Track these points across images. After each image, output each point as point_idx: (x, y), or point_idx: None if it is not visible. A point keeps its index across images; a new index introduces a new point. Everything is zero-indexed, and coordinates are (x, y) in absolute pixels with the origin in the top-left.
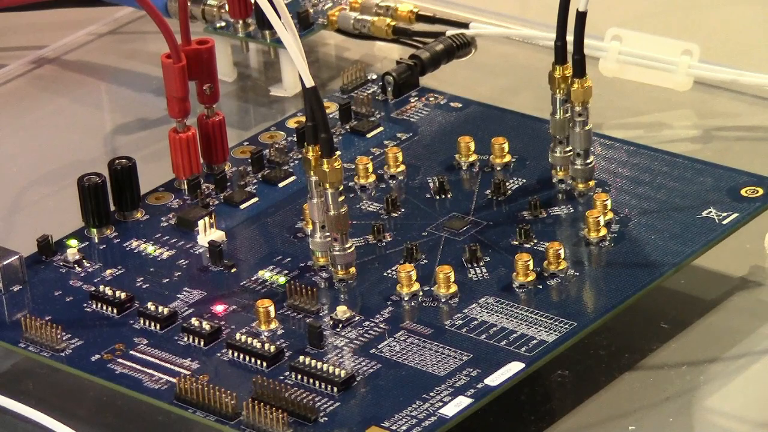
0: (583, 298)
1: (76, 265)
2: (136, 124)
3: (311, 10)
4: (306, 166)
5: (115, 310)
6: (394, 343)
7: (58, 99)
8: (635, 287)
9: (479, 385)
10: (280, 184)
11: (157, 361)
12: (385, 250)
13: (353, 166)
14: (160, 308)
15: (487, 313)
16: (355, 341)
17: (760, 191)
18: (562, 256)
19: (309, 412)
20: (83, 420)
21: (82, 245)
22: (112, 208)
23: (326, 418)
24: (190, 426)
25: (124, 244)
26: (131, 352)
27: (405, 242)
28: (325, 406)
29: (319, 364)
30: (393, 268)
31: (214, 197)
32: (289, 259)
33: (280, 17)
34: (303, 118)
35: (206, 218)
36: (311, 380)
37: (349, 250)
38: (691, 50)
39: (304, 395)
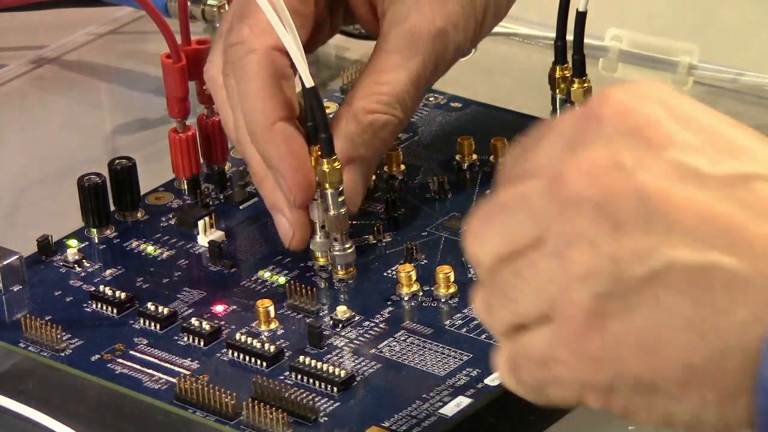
0: None
1: (76, 265)
2: (136, 124)
3: None
4: None
5: (115, 310)
6: (394, 343)
7: (58, 99)
8: None
9: (479, 385)
10: None
11: (157, 361)
12: (385, 250)
13: None
14: (160, 308)
15: None
16: (355, 341)
17: None
18: None
19: (309, 412)
20: (83, 420)
21: (82, 245)
22: (112, 208)
23: (326, 418)
24: (190, 426)
25: (124, 244)
26: (131, 352)
27: (405, 242)
28: (325, 406)
29: (319, 364)
30: (393, 268)
31: (214, 197)
32: (289, 259)
33: (280, 17)
34: None
35: (206, 218)
36: (311, 380)
37: (349, 250)
38: (691, 50)
39: (304, 395)
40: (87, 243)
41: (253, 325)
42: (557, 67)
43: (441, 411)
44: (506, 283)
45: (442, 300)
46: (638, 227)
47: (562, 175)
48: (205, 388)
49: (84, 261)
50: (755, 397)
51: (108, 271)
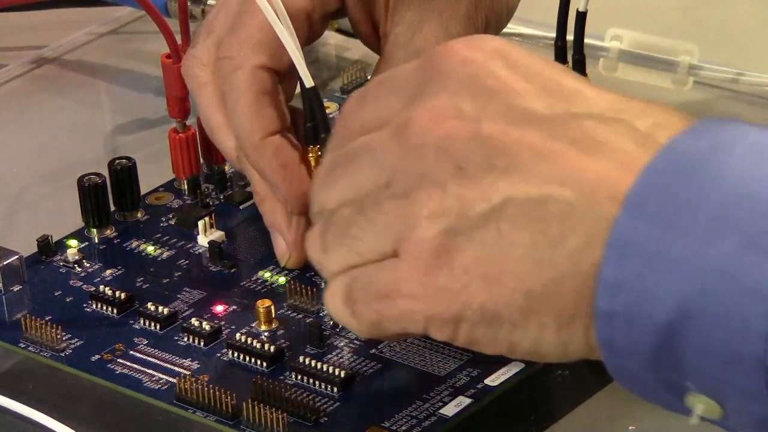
0: None
1: (76, 266)
2: (136, 124)
3: None
4: None
5: (115, 310)
6: (394, 343)
7: (58, 99)
8: None
9: (479, 385)
10: None
11: (157, 361)
12: None
13: None
14: (160, 308)
15: None
16: (355, 341)
17: None
18: None
19: (309, 412)
20: (83, 420)
21: (82, 245)
22: (112, 208)
23: (326, 418)
24: (190, 426)
25: (124, 244)
26: (131, 352)
27: None
28: (325, 406)
29: (319, 364)
30: None
31: (214, 197)
32: None
33: (279, 17)
34: None
35: (206, 218)
36: (311, 380)
37: None
38: (691, 50)
39: (304, 395)
40: (87, 243)
41: (254, 325)
42: None
43: (441, 411)
44: (347, 221)
45: None
46: (480, 167)
47: (406, 123)
48: (205, 389)
49: (84, 261)
50: (594, 325)
51: (108, 271)
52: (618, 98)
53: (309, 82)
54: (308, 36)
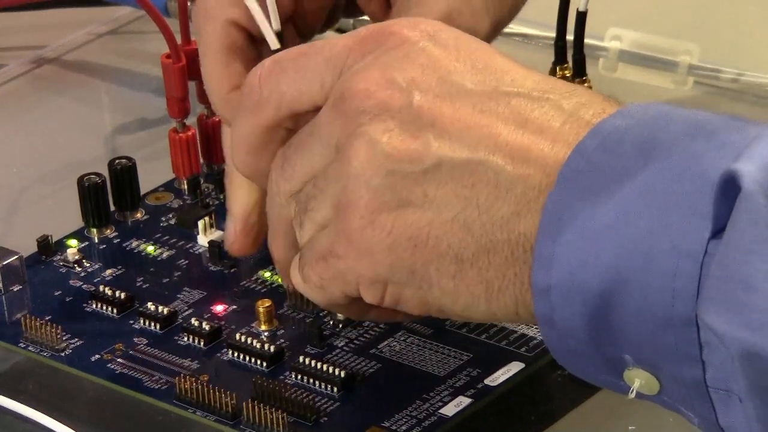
0: None
1: (76, 265)
2: (136, 124)
3: None
4: None
5: (115, 310)
6: (394, 343)
7: (58, 99)
8: None
9: (479, 385)
10: None
11: (156, 361)
12: None
13: None
14: (160, 308)
15: None
16: (355, 341)
17: None
18: None
19: (309, 412)
20: (83, 420)
21: (82, 245)
22: (112, 208)
23: (326, 418)
24: (190, 426)
25: (124, 244)
26: (131, 352)
27: None
28: (325, 406)
29: (319, 364)
30: None
31: (214, 197)
32: None
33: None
34: None
35: (206, 218)
36: (311, 380)
37: None
38: (691, 50)
39: (304, 395)
40: (87, 243)
41: (254, 325)
42: (557, 67)
43: (441, 411)
44: (307, 197)
45: None
46: (411, 132)
47: (341, 96)
48: (205, 388)
49: (84, 261)
50: (533, 303)
51: (108, 271)
52: (545, 78)
53: (274, 44)
54: (301, 23)
